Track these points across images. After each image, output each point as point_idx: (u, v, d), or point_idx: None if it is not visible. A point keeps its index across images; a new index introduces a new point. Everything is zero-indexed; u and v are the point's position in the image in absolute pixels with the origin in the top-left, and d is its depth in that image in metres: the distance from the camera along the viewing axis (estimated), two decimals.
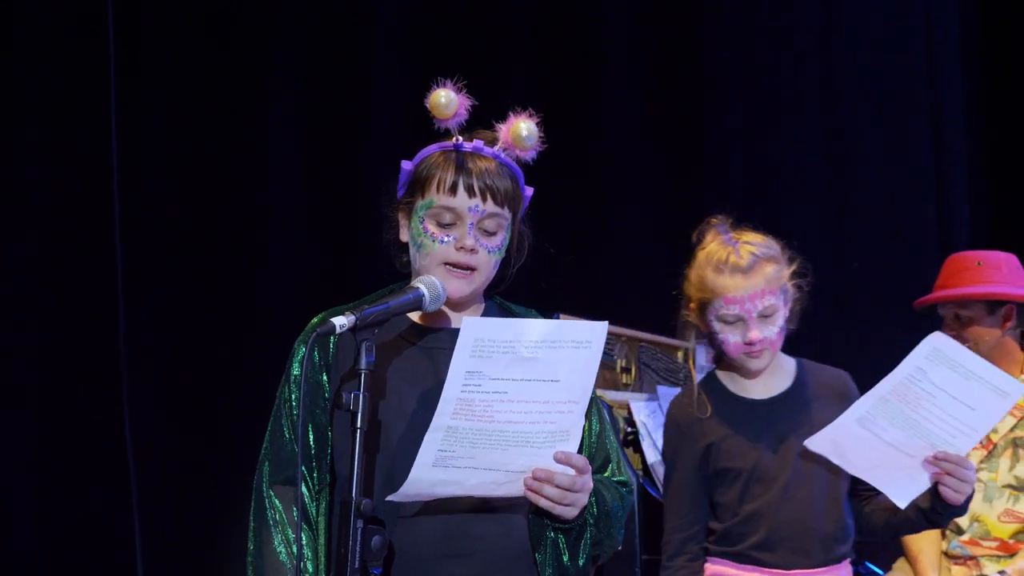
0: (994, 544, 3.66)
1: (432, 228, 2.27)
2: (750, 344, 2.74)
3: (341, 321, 2.11)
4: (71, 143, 3.98)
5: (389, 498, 2.13)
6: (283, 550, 2.24)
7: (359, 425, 2.10)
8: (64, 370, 3.92)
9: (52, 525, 3.85)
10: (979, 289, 3.65)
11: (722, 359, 2.90)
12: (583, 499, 2.15)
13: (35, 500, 3.86)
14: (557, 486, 2.11)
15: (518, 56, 4.79)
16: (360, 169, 4.37)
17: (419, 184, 2.30)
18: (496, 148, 2.30)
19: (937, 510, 2.69)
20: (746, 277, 2.73)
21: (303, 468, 2.27)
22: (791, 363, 2.88)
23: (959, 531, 3.71)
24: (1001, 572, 3.59)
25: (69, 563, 3.86)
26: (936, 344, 2.56)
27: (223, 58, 4.21)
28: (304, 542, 2.24)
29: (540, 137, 2.30)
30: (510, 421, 2.07)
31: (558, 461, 2.11)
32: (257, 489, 2.31)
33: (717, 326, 2.77)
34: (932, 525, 2.78)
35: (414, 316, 2.34)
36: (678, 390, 3.99)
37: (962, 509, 2.70)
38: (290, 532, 2.25)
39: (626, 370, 3.89)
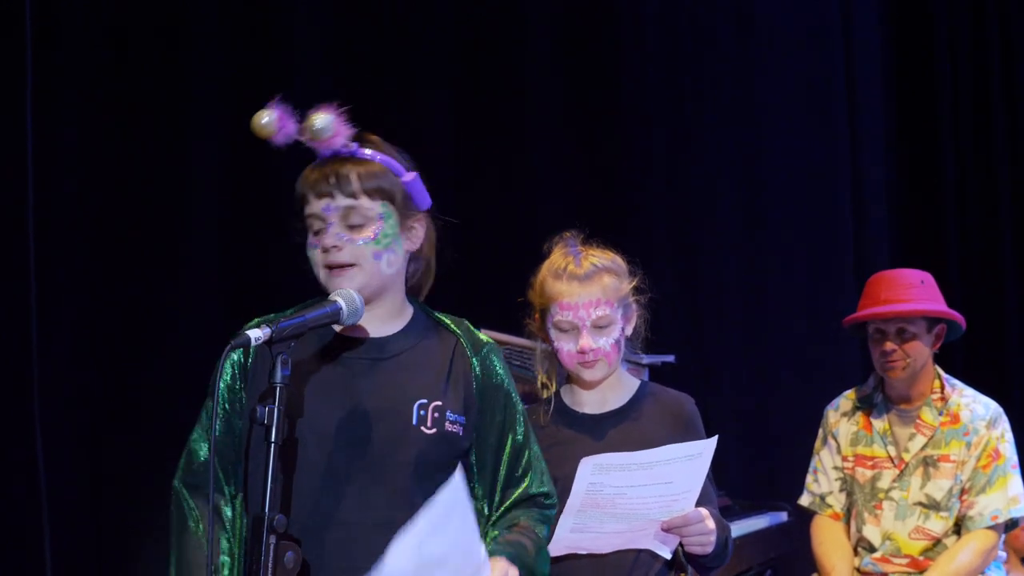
0: (905, 561, 3.71)
1: (311, 237, 2.32)
2: (582, 353, 2.73)
3: (256, 334, 2.09)
4: None
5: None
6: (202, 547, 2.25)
7: (273, 439, 2.09)
8: None
9: None
10: (936, 307, 3.72)
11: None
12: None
13: None
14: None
15: (440, 70, 4.80)
16: (284, 179, 4.33)
17: (298, 202, 2.34)
18: (341, 143, 2.29)
19: (701, 563, 2.72)
20: (582, 284, 2.71)
21: (221, 473, 2.29)
22: (635, 383, 2.87)
23: (871, 549, 3.76)
24: None
25: None
26: (595, 462, 2.59)
27: (139, 66, 4.16)
28: (224, 547, 2.27)
29: (340, 123, 2.28)
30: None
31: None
32: (175, 491, 2.33)
33: (553, 334, 2.77)
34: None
35: (335, 326, 2.32)
36: None
37: (721, 554, 2.71)
38: (203, 531, 2.27)
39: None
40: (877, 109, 5.38)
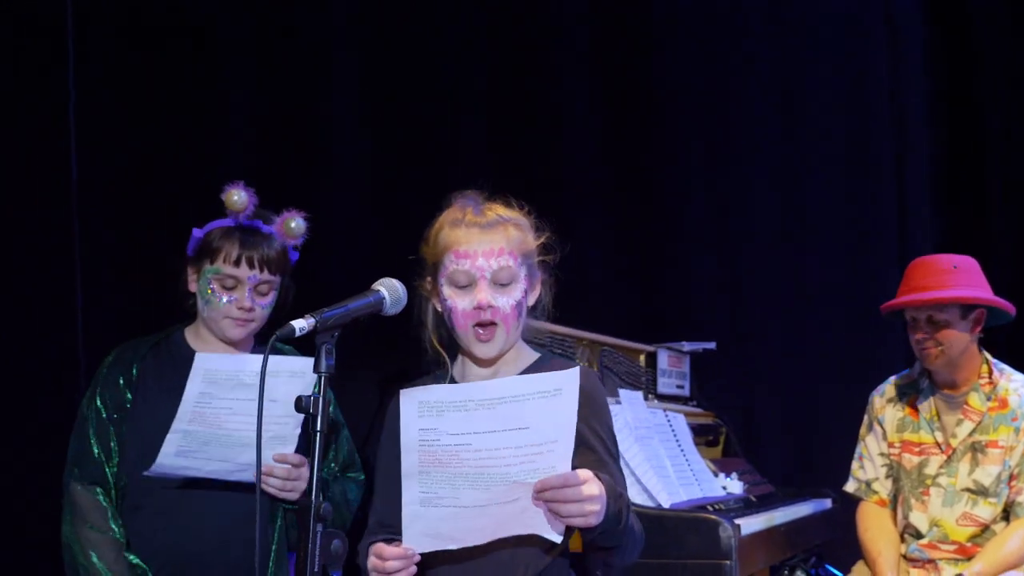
0: (952, 547, 3.68)
1: (218, 289, 2.89)
2: (479, 309, 2.33)
3: (301, 324, 2.11)
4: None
5: (145, 472, 2.74)
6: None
7: (319, 428, 2.11)
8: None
9: None
10: (961, 293, 3.65)
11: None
12: (301, 486, 2.75)
13: None
14: (277, 476, 2.74)
15: (475, 99, 4.84)
16: (307, 176, 4.37)
17: (208, 251, 2.89)
18: (271, 226, 2.90)
19: (591, 538, 2.21)
20: (483, 231, 2.36)
21: (108, 473, 2.83)
22: (531, 358, 2.47)
23: (918, 535, 3.73)
24: (959, 575, 3.62)
25: None
26: (420, 399, 2.18)
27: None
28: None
29: (307, 228, 2.93)
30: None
31: (276, 460, 2.73)
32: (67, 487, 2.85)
33: (446, 291, 2.36)
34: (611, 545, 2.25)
35: (199, 348, 2.91)
36: (640, 393, 4.02)
37: (614, 530, 2.18)
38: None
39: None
40: (918, 91, 5.31)
